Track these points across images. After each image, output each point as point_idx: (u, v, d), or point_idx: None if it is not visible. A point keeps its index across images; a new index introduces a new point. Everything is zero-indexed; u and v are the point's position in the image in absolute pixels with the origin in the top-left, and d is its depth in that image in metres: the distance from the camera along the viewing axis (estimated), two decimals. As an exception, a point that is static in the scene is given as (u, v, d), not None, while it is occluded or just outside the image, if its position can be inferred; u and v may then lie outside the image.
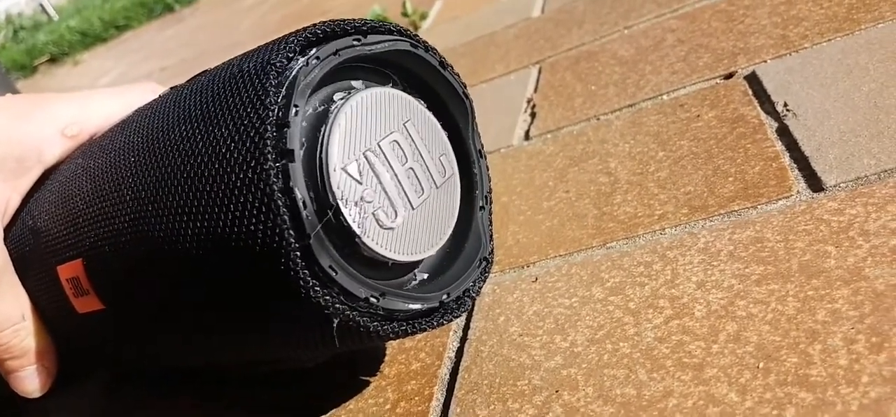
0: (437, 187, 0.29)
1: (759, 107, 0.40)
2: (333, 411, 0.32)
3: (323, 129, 0.25)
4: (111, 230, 0.28)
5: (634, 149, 0.42)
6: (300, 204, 0.24)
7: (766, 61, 0.44)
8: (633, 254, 0.33)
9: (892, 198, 0.30)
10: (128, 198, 0.27)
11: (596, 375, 0.27)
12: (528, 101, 0.55)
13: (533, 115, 0.52)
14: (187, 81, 0.30)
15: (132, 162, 0.27)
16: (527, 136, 0.50)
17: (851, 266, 0.27)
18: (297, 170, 0.24)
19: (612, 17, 0.62)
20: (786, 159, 0.35)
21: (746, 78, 0.44)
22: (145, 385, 0.39)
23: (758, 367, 0.25)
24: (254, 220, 0.23)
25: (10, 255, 0.33)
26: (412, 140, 0.28)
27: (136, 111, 0.32)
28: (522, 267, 0.36)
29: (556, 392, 0.27)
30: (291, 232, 0.23)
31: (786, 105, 0.39)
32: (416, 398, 0.30)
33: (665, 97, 0.46)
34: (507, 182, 0.44)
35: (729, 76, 0.45)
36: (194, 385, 0.37)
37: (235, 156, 0.24)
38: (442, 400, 0.30)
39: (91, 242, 0.29)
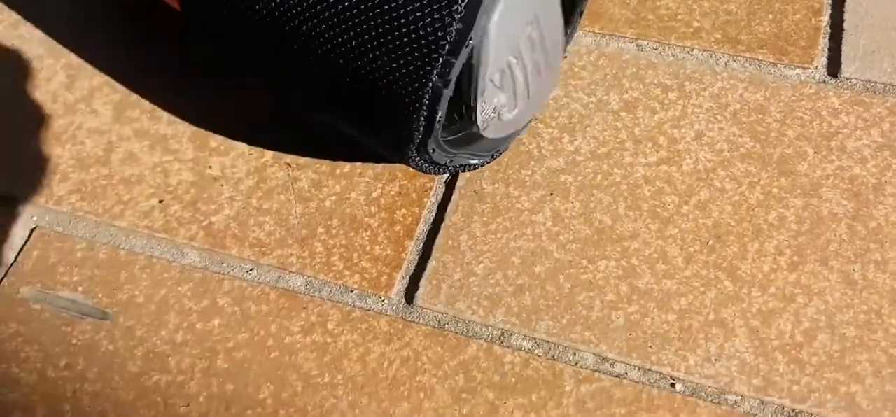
0: (548, 65, 0.30)
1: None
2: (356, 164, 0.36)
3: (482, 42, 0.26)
4: None
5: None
6: (443, 101, 0.26)
7: None
8: (657, 68, 0.36)
9: (883, 119, 0.33)
10: None
11: (586, 192, 0.33)
12: None
13: None
14: None
15: None
16: None
17: (816, 179, 0.32)
18: (452, 71, 0.25)
19: None
20: (824, 18, 0.36)
21: None
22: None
23: (707, 243, 0.31)
24: (405, 79, 0.25)
25: None
26: (541, 27, 0.28)
27: None
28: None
29: (551, 194, 0.33)
30: (422, 123, 0.26)
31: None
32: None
33: None
34: None
35: None
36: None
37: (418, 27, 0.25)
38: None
39: None
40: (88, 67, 0.38)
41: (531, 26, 0.28)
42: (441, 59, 0.25)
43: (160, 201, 0.34)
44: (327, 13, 0.26)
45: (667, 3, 0.38)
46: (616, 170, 0.33)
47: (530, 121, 0.34)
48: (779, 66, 0.35)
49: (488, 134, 0.29)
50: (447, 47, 0.25)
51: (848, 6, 0.37)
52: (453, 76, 0.26)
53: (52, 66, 0.39)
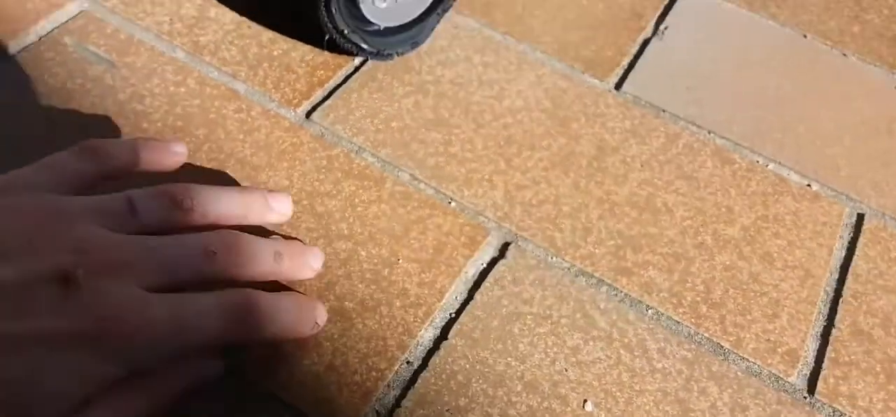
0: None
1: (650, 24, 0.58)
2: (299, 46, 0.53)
3: None
4: None
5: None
6: None
7: None
8: (508, 51, 0.54)
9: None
10: None
11: (438, 97, 0.50)
12: None
13: None
14: None
15: None
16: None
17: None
18: None
19: None
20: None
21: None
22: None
23: (500, 144, 0.48)
24: None
25: None
26: None
27: None
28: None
29: (417, 92, 0.50)
30: None
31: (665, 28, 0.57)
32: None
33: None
34: None
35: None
36: None
37: None
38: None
39: None
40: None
41: None
42: None
43: (169, 20, 0.51)
44: None
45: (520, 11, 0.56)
46: (460, 93, 0.50)
47: (412, 47, 0.51)
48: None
49: (365, 9, 0.47)
50: None
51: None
52: None
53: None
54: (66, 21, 0.50)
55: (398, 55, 0.50)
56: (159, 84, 0.47)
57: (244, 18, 0.52)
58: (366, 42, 0.48)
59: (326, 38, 0.47)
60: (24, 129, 0.43)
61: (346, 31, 0.47)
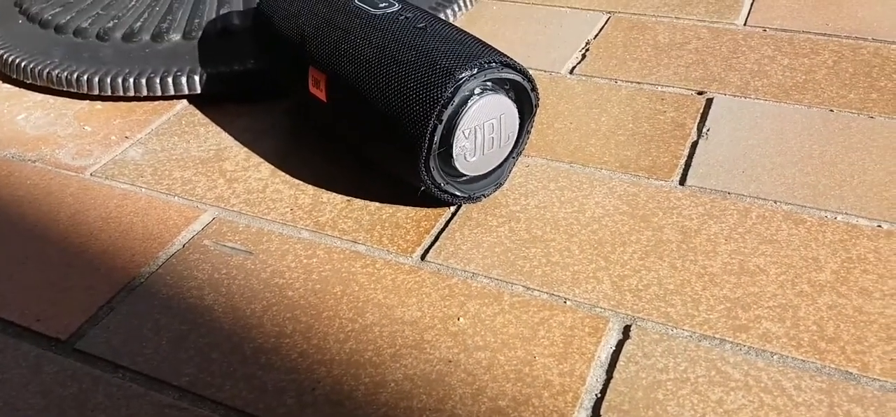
0: (499, 147, 0.54)
1: (694, 126, 0.64)
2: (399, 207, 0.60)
3: (462, 109, 0.50)
4: (350, 72, 0.55)
5: (613, 111, 0.66)
6: (439, 131, 0.50)
7: (725, 94, 0.67)
8: (574, 176, 0.59)
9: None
10: (365, 62, 0.53)
11: (527, 222, 0.55)
12: (587, 43, 0.78)
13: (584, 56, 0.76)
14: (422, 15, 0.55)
15: (366, 51, 0.54)
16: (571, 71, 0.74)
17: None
18: (445, 115, 0.50)
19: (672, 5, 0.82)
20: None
21: (707, 100, 0.67)
22: (316, 143, 0.68)
23: (596, 246, 0.52)
24: (420, 117, 0.50)
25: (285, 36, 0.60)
26: (501, 124, 0.53)
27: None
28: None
29: (509, 220, 0.55)
30: (426, 141, 0.50)
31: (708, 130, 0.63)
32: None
33: (659, 88, 0.69)
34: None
35: (700, 93, 0.68)
36: (347, 160, 0.65)
37: (432, 90, 0.49)
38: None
39: (332, 70, 0.55)
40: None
41: (494, 120, 0.53)
42: (437, 108, 0.50)
43: (290, 209, 0.57)
44: (387, 84, 0.52)
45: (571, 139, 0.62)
46: (546, 214, 0.55)
47: (495, 187, 0.57)
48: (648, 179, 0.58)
49: (458, 164, 0.52)
50: (442, 103, 0.50)
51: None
52: (444, 118, 0.50)
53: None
54: (203, 228, 0.56)
55: (485, 196, 0.56)
56: (294, 260, 0.52)
57: (351, 196, 0.58)
58: (459, 190, 0.54)
59: (422, 189, 0.53)
60: (185, 319, 0.48)
61: (442, 184, 0.53)
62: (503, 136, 0.54)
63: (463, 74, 0.50)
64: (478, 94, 0.51)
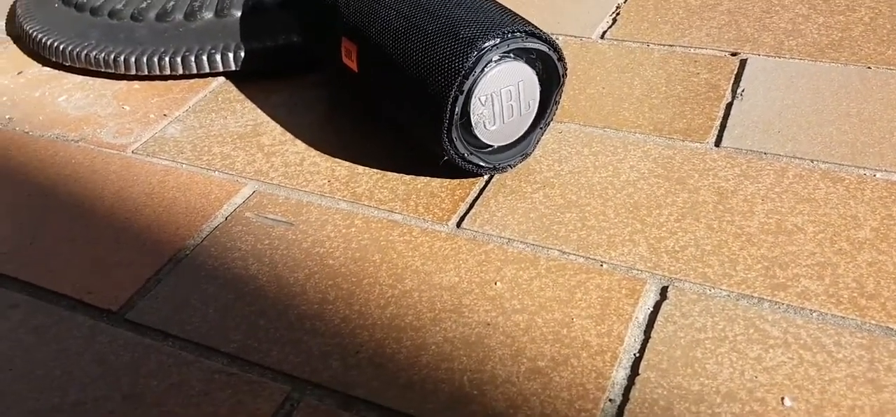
0: (520, 115, 0.54)
1: (729, 85, 0.63)
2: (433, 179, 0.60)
3: (480, 77, 0.51)
4: (379, 42, 0.55)
5: (645, 74, 0.66)
6: (460, 102, 0.50)
7: (758, 55, 0.66)
8: (610, 141, 0.59)
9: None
10: (393, 32, 0.54)
11: (562, 187, 0.55)
12: (617, 7, 0.77)
13: (614, 20, 0.75)
14: None
15: (394, 22, 0.54)
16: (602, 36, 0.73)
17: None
18: (466, 86, 0.50)
19: (698, -30, 0.81)
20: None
21: (741, 60, 0.66)
22: (350, 116, 0.69)
23: (630, 209, 0.52)
24: (442, 87, 0.50)
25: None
26: (519, 91, 0.53)
27: None
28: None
29: (543, 186, 0.55)
30: (450, 109, 0.50)
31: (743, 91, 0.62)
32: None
33: (692, 50, 0.69)
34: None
35: (733, 54, 0.68)
36: (380, 131, 0.65)
37: (454, 61, 0.50)
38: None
39: (363, 41, 0.56)
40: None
41: (512, 87, 0.53)
42: (458, 79, 0.50)
43: (328, 181, 0.58)
44: (412, 54, 0.52)
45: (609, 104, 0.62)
46: (581, 179, 0.55)
47: (522, 158, 0.57)
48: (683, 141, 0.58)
49: (478, 133, 0.53)
50: (463, 73, 0.50)
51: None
52: (465, 88, 0.50)
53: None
54: (244, 201, 0.58)
55: (511, 167, 0.56)
56: (333, 229, 0.54)
57: (386, 167, 0.59)
58: (484, 160, 0.55)
59: (444, 158, 0.54)
60: (231, 289, 0.50)
61: (466, 154, 0.54)
62: (523, 104, 0.54)
63: (486, 44, 0.50)
64: (496, 61, 0.51)
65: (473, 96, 0.51)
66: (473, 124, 0.52)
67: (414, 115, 0.55)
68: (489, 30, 0.50)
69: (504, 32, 0.50)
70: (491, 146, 0.55)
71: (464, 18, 0.52)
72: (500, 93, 0.52)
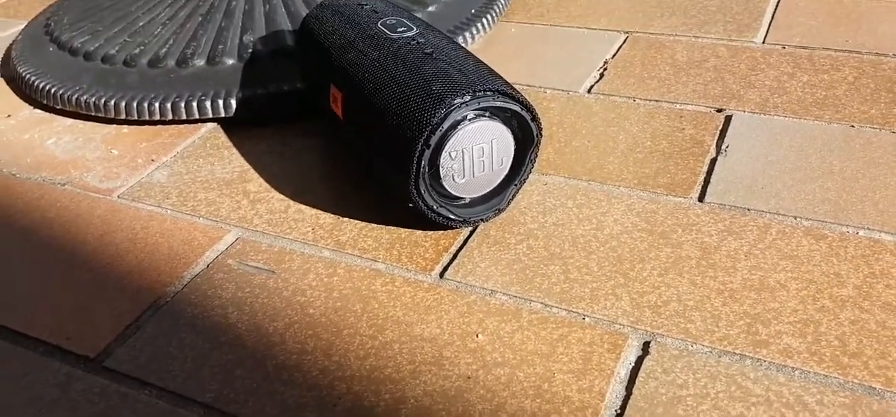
0: (492, 170, 0.55)
1: (714, 142, 0.64)
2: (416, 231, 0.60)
3: (450, 132, 0.51)
4: (359, 91, 0.56)
5: (631, 128, 0.66)
6: (427, 155, 0.51)
7: (743, 111, 0.67)
8: (588, 194, 0.60)
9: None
10: (373, 83, 0.55)
11: (545, 239, 0.55)
12: (605, 63, 0.79)
13: (601, 76, 0.76)
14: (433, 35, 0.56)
15: (375, 72, 0.55)
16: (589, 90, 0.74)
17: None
18: (433, 140, 0.50)
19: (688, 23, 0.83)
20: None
21: (726, 117, 0.67)
22: (337, 164, 0.69)
23: (614, 261, 0.52)
24: (410, 140, 0.50)
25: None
26: (492, 148, 0.53)
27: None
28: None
29: (527, 237, 0.55)
30: (416, 161, 0.50)
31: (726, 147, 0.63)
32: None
33: (678, 106, 0.70)
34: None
35: (719, 110, 0.69)
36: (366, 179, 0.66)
37: (423, 114, 0.50)
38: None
39: (347, 89, 0.57)
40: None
41: (484, 144, 0.53)
42: (426, 132, 0.50)
43: (312, 229, 0.58)
44: (387, 105, 0.53)
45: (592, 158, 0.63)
46: (565, 232, 0.56)
47: (495, 213, 0.56)
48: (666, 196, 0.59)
49: (447, 185, 0.53)
50: (431, 127, 0.50)
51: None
52: (432, 143, 0.51)
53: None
54: (227, 248, 0.58)
55: (483, 221, 0.56)
56: (315, 278, 0.53)
57: (371, 215, 0.59)
58: (453, 213, 0.55)
59: (410, 205, 0.54)
60: (210, 337, 0.49)
61: (434, 207, 0.54)
62: (495, 161, 0.54)
63: (456, 100, 0.51)
64: (470, 120, 0.52)
65: (443, 151, 0.51)
66: (442, 176, 0.53)
67: (386, 165, 0.55)
68: (460, 87, 0.51)
69: (475, 90, 0.51)
70: (462, 199, 0.55)
71: (437, 75, 0.53)
72: (471, 149, 0.53)
